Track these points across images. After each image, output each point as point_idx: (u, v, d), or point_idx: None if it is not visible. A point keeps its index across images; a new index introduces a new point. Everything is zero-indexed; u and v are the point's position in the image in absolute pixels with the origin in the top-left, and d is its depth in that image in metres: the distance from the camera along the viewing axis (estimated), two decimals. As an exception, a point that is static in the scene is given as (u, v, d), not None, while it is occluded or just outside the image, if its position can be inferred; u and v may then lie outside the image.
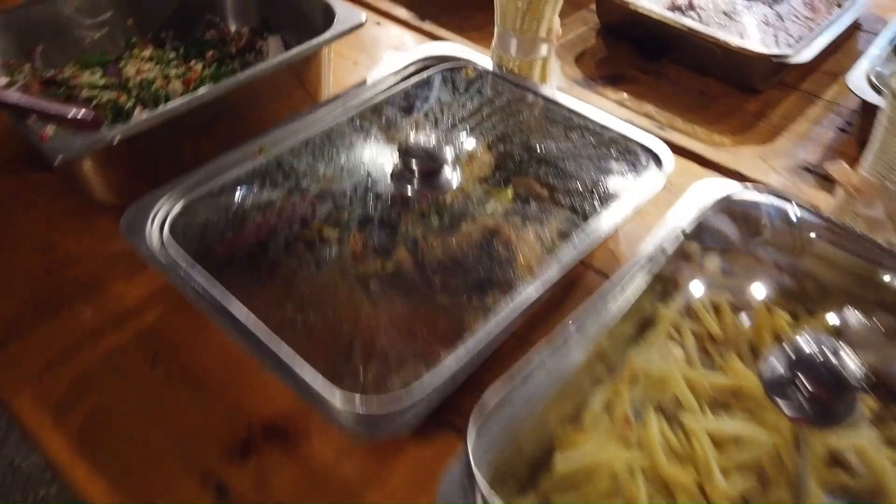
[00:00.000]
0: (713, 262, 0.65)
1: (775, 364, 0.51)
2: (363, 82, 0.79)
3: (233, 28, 0.96)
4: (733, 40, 0.87)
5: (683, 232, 0.63)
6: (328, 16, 0.84)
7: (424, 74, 0.80)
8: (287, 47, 0.92)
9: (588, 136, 0.75)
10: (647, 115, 0.89)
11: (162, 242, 0.59)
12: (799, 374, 0.48)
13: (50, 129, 0.68)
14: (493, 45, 0.83)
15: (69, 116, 0.69)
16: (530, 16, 0.77)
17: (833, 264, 0.65)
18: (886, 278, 0.63)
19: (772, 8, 0.93)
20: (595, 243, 0.63)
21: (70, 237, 0.71)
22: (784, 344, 0.52)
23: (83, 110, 0.70)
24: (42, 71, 0.84)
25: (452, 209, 0.68)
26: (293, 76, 0.82)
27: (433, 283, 0.66)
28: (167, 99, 0.83)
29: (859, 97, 0.80)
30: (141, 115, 0.79)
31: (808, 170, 0.82)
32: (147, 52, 0.90)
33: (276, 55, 0.91)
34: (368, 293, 0.63)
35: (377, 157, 0.73)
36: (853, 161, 0.84)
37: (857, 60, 0.85)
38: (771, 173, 0.81)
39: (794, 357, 0.50)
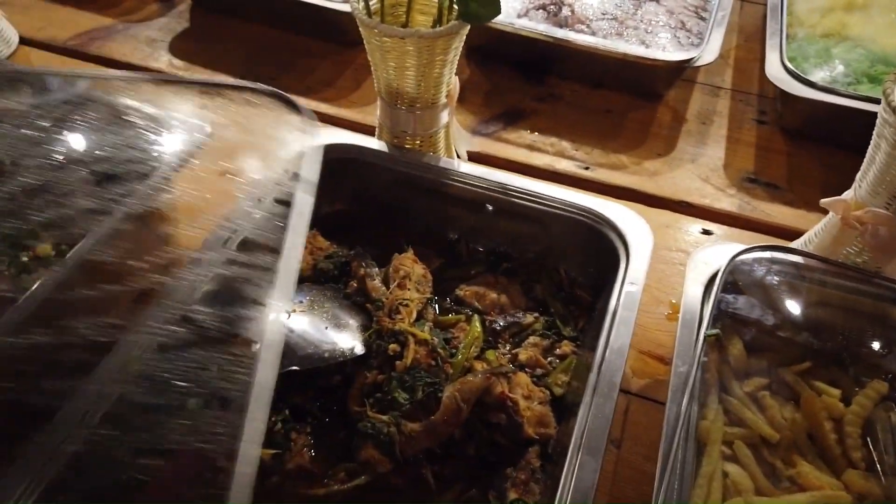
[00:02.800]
0: (737, 348, 0.55)
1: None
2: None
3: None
4: (637, 51, 0.76)
5: (708, 335, 0.51)
6: (156, 129, 0.62)
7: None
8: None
9: (543, 221, 0.61)
10: (566, 156, 0.76)
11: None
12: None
13: None
14: (381, 123, 0.66)
15: None
16: (426, 84, 0.61)
17: (852, 311, 0.57)
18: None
19: (660, 3, 0.83)
20: (616, 374, 0.50)
21: None
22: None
23: None
24: None
25: (417, 374, 0.52)
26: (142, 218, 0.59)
27: (426, 482, 0.50)
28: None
29: (784, 90, 0.73)
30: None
31: (751, 180, 0.75)
32: None
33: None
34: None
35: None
36: (785, 155, 0.78)
37: (765, 47, 0.78)
38: (721, 195, 0.73)
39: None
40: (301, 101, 0.82)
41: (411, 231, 0.65)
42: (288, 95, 0.57)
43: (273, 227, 0.50)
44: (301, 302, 0.56)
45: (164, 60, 0.88)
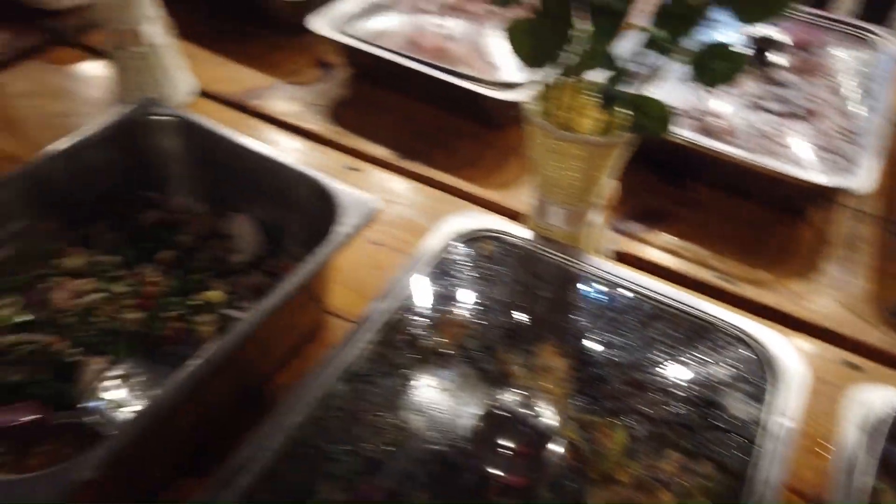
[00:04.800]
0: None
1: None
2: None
3: (178, 202, 0.76)
4: (785, 168, 0.76)
5: (877, 488, 0.49)
6: (318, 195, 0.66)
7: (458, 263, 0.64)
8: (261, 229, 0.73)
9: (680, 331, 0.61)
10: (708, 265, 0.76)
11: None
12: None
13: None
14: (531, 212, 0.68)
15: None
16: (585, 185, 0.63)
17: None
18: None
19: (809, 123, 0.83)
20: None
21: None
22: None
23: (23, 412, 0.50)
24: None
25: (563, 482, 0.52)
26: (305, 291, 0.63)
27: None
28: (121, 336, 0.62)
29: None
30: (97, 365, 0.59)
31: None
32: (78, 261, 0.68)
33: (250, 242, 0.73)
34: None
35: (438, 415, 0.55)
36: None
37: None
38: (866, 328, 0.70)
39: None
40: (447, 177, 0.87)
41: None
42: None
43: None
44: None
45: (319, 123, 0.94)
